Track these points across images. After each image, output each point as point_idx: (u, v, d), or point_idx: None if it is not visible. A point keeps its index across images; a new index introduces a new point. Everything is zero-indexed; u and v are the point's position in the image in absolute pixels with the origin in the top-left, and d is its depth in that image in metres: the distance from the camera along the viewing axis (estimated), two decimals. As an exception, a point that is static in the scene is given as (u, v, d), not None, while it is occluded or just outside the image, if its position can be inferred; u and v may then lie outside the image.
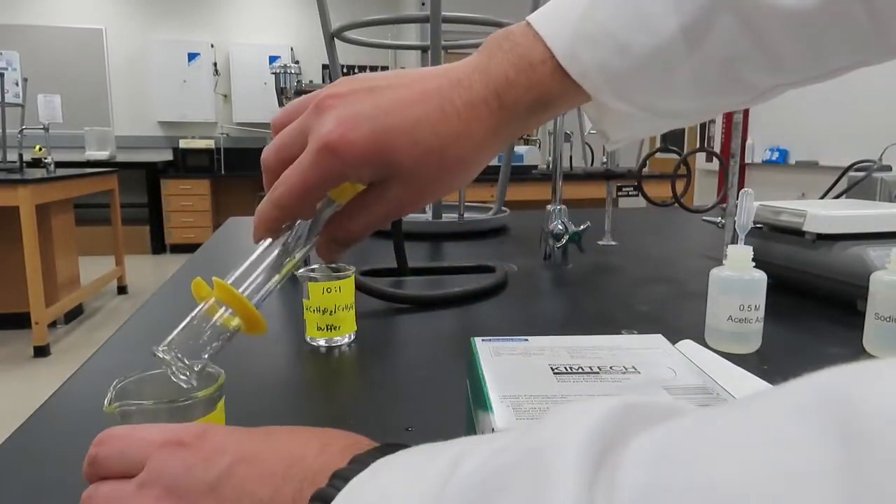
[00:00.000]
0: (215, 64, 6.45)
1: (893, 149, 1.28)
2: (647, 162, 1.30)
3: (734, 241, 0.68)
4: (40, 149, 4.29)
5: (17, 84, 3.93)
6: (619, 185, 1.29)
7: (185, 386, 0.35)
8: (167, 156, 6.37)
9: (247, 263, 0.38)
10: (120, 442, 0.29)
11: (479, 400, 0.37)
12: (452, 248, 1.27)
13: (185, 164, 6.16)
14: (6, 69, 3.77)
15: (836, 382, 0.14)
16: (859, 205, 0.92)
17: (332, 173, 0.35)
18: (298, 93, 0.95)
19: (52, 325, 3.56)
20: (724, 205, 0.95)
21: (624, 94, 0.36)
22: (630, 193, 1.29)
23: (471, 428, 0.40)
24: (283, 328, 0.77)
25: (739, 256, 0.64)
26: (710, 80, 0.35)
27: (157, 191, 6.03)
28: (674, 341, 0.46)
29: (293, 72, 0.94)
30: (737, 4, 0.33)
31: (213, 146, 6.22)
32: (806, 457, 0.13)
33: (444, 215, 1.44)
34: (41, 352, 3.23)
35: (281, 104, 0.95)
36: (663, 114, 0.39)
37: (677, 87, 0.36)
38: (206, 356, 0.35)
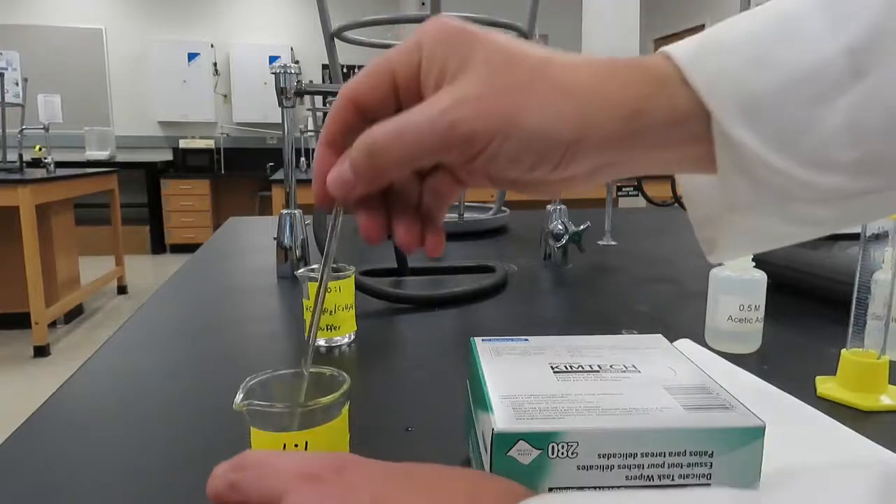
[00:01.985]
0: (215, 64, 6.45)
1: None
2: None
3: (734, 240, 0.68)
4: (40, 149, 4.28)
5: (17, 84, 3.93)
6: (619, 185, 1.29)
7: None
8: (167, 156, 6.38)
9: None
10: (258, 470, 0.28)
11: (479, 400, 0.37)
12: (452, 248, 1.27)
13: (185, 164, 6.17)
14: (6, 69, 3.77)
15: None
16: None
17: None
18: (298, 93, 0.95)
19: (52, 325, 3.56)
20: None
21: (758, 124, 0.26)
22: (630, 193, 1.29)
23: (471, 428, 0.40)
24: (283, 328, 0.77)
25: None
26: (873, 131, 0.25)
27: (157, 191, 6.03)
28: (674, 341, 0.47)
29: (293, 72, 0.94)
30: None
31: (213, 146, 6.22)
32: None
33: (444, 215, 1.44)
34: (41, 352, 3.23)
35: (281, 104, 0.95)
36: (803, 183, 0.26)
37: (827, 135, 0.25)
38: None
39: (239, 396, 0.35)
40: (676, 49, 0.27)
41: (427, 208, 0.33)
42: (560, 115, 0.27)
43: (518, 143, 0.27)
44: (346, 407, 0.38)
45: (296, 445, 0.34)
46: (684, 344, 0.65)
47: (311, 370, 0.38)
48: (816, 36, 0.25)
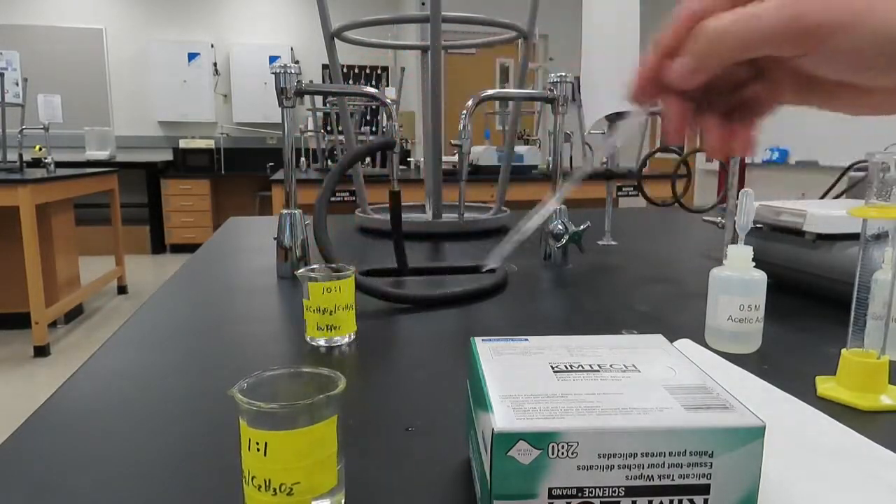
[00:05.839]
0: (215, 64, 6.45)
1: (893, 149, 1.28)
2: (647, 162, 1.30)
3: (734, 241, 0.68)
4: (40, 149, 4.29)
5: (17, 84, 3.93)
6: (619, 185, 1.29)
7: None
8: (167, 156, 6.38)
9: None
10: None
11: (479, 400, 0.37)
12: (452, 248, 1.27)
13: (185, 164, 6.17)
14: (6, 69, 3.78)
15: None
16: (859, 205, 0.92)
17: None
18: (298, 93, 0.95)
19: (52, 325, 3.56)
20: (724, 205, 0.95)
21: None
22: (630, 193, 1.29)
23: (471, 428, 0.40)
24: (282, 328, 0.77)
25: (739, 256, 0.64)
26: None
27: (157, 191, 6.03)
28: (674, 341, 0.47)
29: (293, 72, 0.94)
30: None
31: (213, 146, 6.22)
32: None
33: (444, 215, 1.44)
34: (41, 352, 3.23)
35: (281, 104, 0.96)
36: None
37: None
38: None
39: (241, 385, 0.35)
40: None
41: (739, 121, 0.34)
42: None
43: (863, 39, 0.26)
44: (333, 418, 0.35)
45: (256, 444, 0.33)
46: (684, 344, 0.65)
47: (309, 370, 0.38)
48: None
